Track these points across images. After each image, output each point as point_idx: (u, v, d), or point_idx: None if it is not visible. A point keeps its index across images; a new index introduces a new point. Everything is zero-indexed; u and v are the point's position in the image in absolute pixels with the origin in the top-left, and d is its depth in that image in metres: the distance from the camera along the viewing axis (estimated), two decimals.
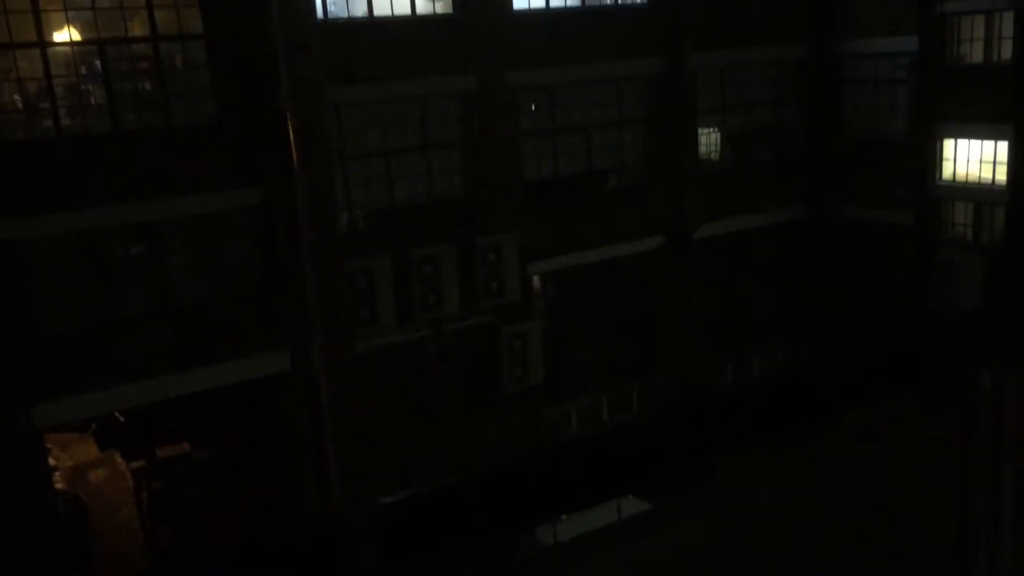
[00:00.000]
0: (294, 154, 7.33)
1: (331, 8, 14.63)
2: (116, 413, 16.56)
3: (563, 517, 15.69)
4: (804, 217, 19.85)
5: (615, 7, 17.23)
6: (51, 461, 16.13)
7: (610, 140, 17.48)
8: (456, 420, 16.53)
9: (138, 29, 13.05)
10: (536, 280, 17.19)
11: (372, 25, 14.69)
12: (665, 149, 17.92)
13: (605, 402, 18.11)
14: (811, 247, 20.09)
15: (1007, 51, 16.69)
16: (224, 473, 16.38)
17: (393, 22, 14.85)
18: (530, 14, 16.24)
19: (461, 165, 15.90)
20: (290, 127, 7.41)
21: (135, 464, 16.81)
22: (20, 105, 12.50)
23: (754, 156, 19.37)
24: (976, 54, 17.25)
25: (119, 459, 16.90)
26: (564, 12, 16.66)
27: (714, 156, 19.09)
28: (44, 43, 12.33)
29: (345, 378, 7.80)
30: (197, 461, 16.91)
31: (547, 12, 16.43)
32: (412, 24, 15.05)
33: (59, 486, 15.80)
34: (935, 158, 17.93)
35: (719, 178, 18.73)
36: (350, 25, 14.55)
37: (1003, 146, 16.85)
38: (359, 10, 14.73)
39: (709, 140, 18.95)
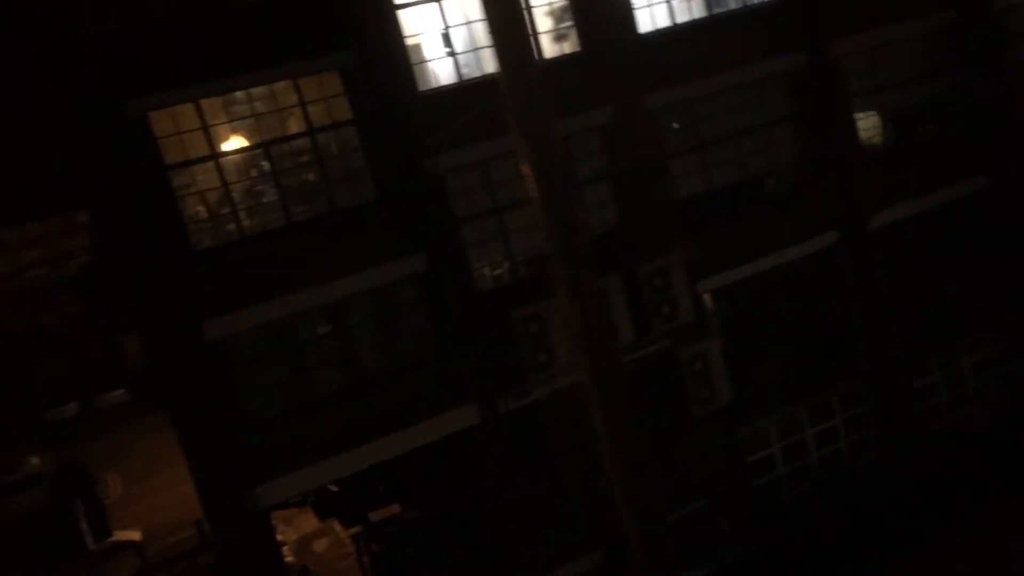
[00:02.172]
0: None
1: (463, 71, 15.12)
2: (328, 485, 17.52)
3: None
4: (988, 188, 18.36)
5: (744, 9, 16.81)
6: (279, 536, 17.28)
7: (761, 143, 16.98)
8: (650, 450, 16.29)
9: (295, 126, 14.04)
10: (707, 298, 16.82)
11: None
12: (822, 142, 17.18)
13: (805, 414, 17.34)
14: (1002, 221, 18.52)
15: None
16: (435, 531, 16.92)
17: None
18: (657, 35, 16.14)
19: (612, 196, 15.90)
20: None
21: (352, 530, 17.71)
22: (204, 214, 13.70)
23: (921, 132, 18.19)
24: None
25: (338, 527, 17.83)
26: (692, 25, 16.43)
27: (876, 140, 18.08)
28: (216, 155, 13.49)
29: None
30: (408, 521, 17.59)
31: (674, 29, 16.27)
32: (543, 68, 15.29)
33: (289, 559, 16.87)
34: None
35: (886, 161, 17.70)
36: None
37: None
38: (490, 66, 15.17)
39: (868, 124, 17.99)
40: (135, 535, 21.70)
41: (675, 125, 16.44)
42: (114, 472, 27.35)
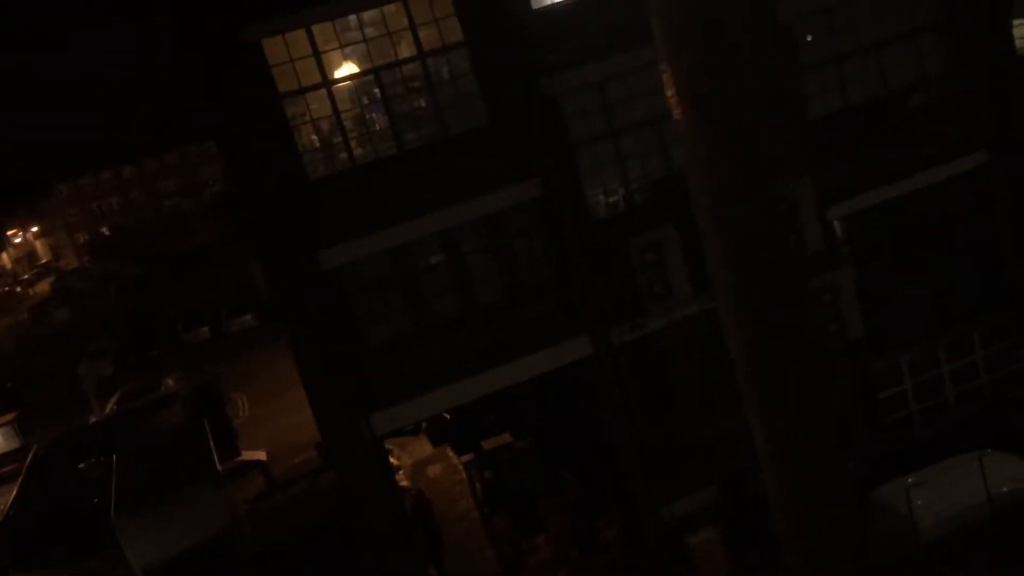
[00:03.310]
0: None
1: None
2: (442, 413, 17.69)
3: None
4: None
5: None
6: (393, 461, 17.65)
7: (905, 54, 15.55)
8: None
9: (406, 50, 13.70)
10: (839, 225, 15.76)
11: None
12: (974, 51, 15.60)
13: (941, 349, 16.23)
14: None
15: None
16: (546, 460, 16.90)
17: None
18: None
19: None
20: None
21: (465, 457, 17.91)
22: (317, 144, 13.64)
23: None
24: None
25: (451, 453, 18.05)
26: None
27: None
28: (328, 82, 13.33)
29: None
30: (520, 450, 17.63)
31: None
32: None
33: (403, 483, 17.22)
34: None
35: None
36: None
37: None
38: None
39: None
40: (261, 455, 22.72)
41: (809, 37, 15.23)
42: (242, 394, 28.67)
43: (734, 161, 5.54)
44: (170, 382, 29.85)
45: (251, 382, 29.44)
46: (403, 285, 13.92)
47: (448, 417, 18.94)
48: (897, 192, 15.59)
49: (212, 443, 19.61)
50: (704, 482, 15.27)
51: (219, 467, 19.03)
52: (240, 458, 22.35)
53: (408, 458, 18.34)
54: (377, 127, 13.86)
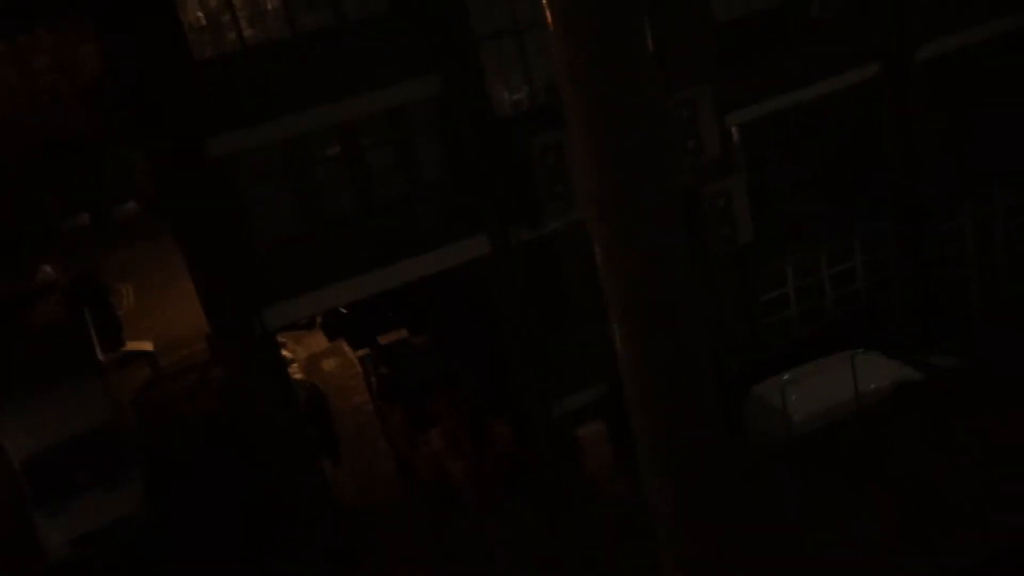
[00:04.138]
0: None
1: None
2: (339, 308, 17.54)
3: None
4: None
5: None
6: (287, 354, 17.49)
7: None
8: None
9: None
10: (735, 132, 16.02)
11: None
12: None
13: (824, 255, 16.96)
14: None
15: None
16: (442, 356, 17.06)
17: None
18: None
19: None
20: None
21: (360, 352, 17.91)
22: (204, 21, 12.80)
23: None
24: None
25: (346, 348, 18.02)
26: None
27: None
28: None
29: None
30: (416, 346, 17.73)
31: None
32: None
33: (297, 376, 17.14)
34: None
35: None
36: None
37: None
38: None
39: None
40: (148, 346, 22.09)
41: None
42: (127, 284, 27.62)
43: (603, 69, 5.16)
44: (48, 269, 28.42)
45: (137, 272, 28.34)
46: (297, 178, 13.47)
47: (344, 312, 18.80)
48: (793, 101, 15.88)
49: (94, 333, 18.92)
50: (594, 379, 15.73)
51: (101, 358, 18.45)
52: (125, 348, 21.71)
53: (303, 352, 18.22)
54: (269, 6, 13.08)
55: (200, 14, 12.73)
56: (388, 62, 13.33)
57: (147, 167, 14.14)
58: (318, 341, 18.84)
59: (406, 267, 14.20)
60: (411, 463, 15.70)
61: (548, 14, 4.98)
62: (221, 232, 13.11)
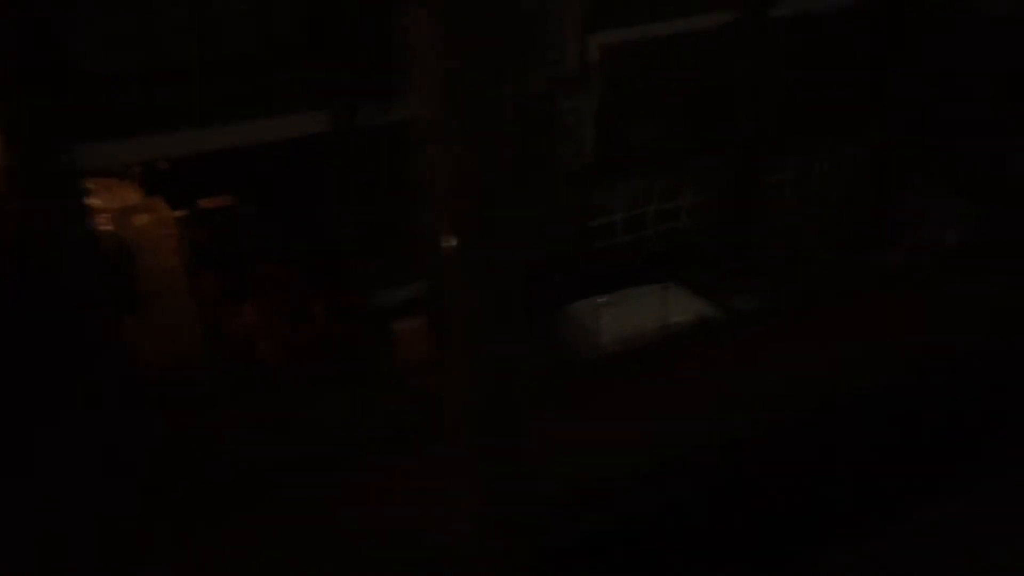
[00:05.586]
0: None
1: None
2: (159, 162, 16.35)
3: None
4: None
5: None
6: (96, 202, 16.17)
7: None
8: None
9: None
10: (595, 52, 16.12)
11: None
12: None
13: (655, 189, 17.61)
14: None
15: None
16: (266, 230, 16.41)
17: None
18: None
19: None
20: None
21: (179, 212, 16.85)
22: None
23: None
24: None
25: (163, 205, 16.88)
26: None
27: None
28: None
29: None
30: (240, 215, 16.93)
31: None
32: None
33: (105, 227, 15.91)
34: None
35: None
36: None
37: None
38: None
39: None
40: None
41: None
42: None
43: None
44: None
45: None
46: (135, 8, 12.24)
47: (166, 167, 17.54)
48: (661, 31, 16.14)
49: None
50: (421, 276, 15.71)
51: None
52: None
53: (115, 202, 16.87)
54: None
55: None
56: None
57: None
58: (132, 194, 17.45)
59: (243, 129, 13.42)
60: (220, 334, 15.17)
61: None
62: (38, 50, 11.76)
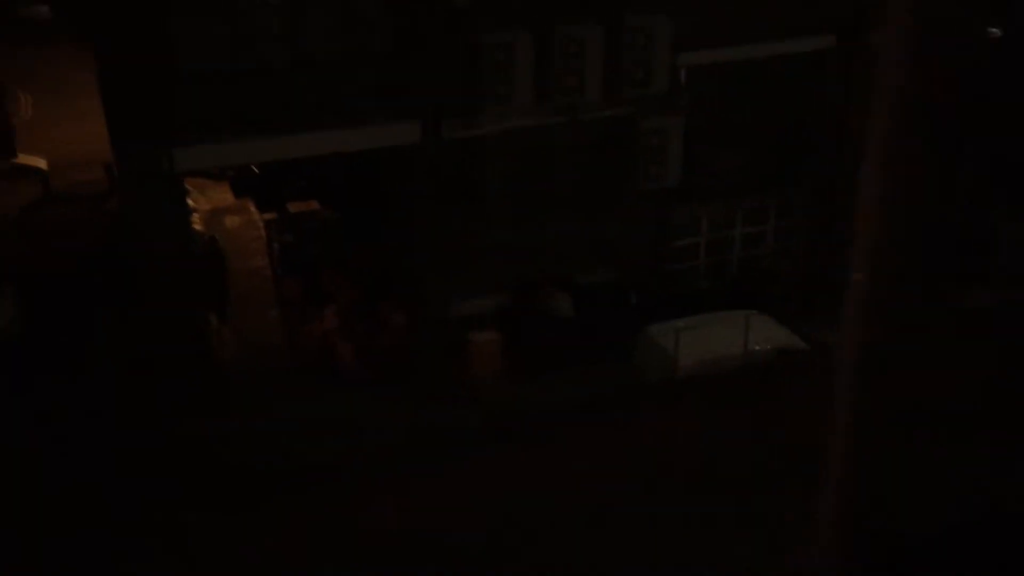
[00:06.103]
0: None
1: None
2: (252, 165, 16.89)
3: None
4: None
5: None
6: (190, 203, 16.80)
7: None
8: (583, 212, 16.09)
9: None
10: (684, 73, 15.93)
11: None
12: None
13: (740, 213, 17.29)
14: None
15: None
16: (350, 236, 16.74)
17: None
18: None
19: None
20: None
21: (267, 215, 17.38)
22: None
23: None
24: None
25: (253, 208, 17.44)
26: None
27: None
28: None
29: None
30: (326, 220, 17.34)
31: None
32: None
33: (197, 227, 16.52)
34: None
35: None
36: None
37: None
38: None
39: None
40: (40, 162, 20.85)
41: None
42: (27, 93, 25.81)
43: None
44: None
45: (40, 80, 26.44)
46: (231, 15, 12.63)
47: (256, 171, 18.13)
48: (747, 55, 15.85)
49: None
50: (497, 287, 15.78)
51: None
52: (15, 161, 20.42)
53: (207, 203, 17.55)
54: None
55: None
56: None
57: None
58: (224, 196, 18.13)
59: (330, 137, 13.69)
60: (301, 336, 15.52)
61: None
62: (143, 56, 12.26)
